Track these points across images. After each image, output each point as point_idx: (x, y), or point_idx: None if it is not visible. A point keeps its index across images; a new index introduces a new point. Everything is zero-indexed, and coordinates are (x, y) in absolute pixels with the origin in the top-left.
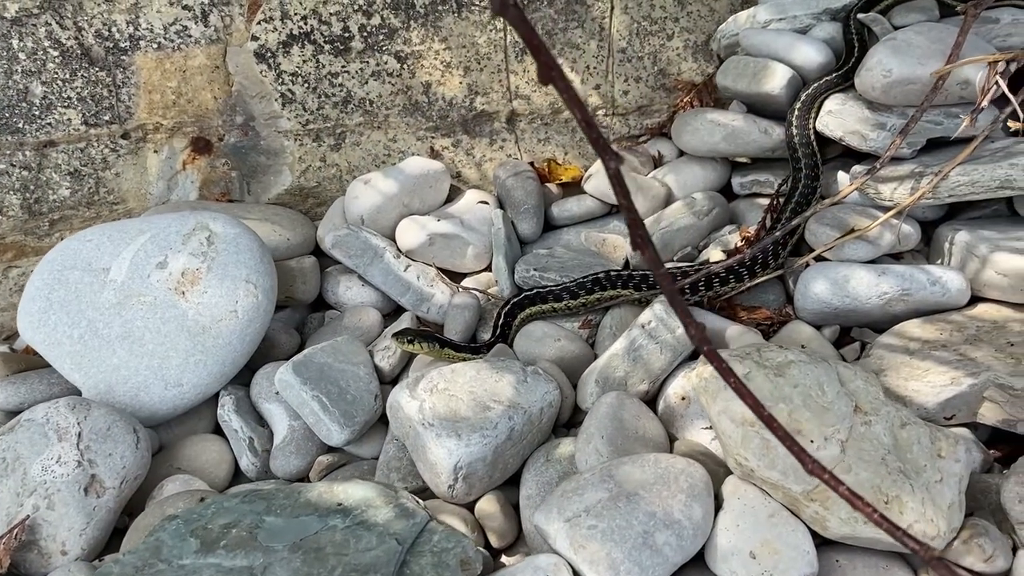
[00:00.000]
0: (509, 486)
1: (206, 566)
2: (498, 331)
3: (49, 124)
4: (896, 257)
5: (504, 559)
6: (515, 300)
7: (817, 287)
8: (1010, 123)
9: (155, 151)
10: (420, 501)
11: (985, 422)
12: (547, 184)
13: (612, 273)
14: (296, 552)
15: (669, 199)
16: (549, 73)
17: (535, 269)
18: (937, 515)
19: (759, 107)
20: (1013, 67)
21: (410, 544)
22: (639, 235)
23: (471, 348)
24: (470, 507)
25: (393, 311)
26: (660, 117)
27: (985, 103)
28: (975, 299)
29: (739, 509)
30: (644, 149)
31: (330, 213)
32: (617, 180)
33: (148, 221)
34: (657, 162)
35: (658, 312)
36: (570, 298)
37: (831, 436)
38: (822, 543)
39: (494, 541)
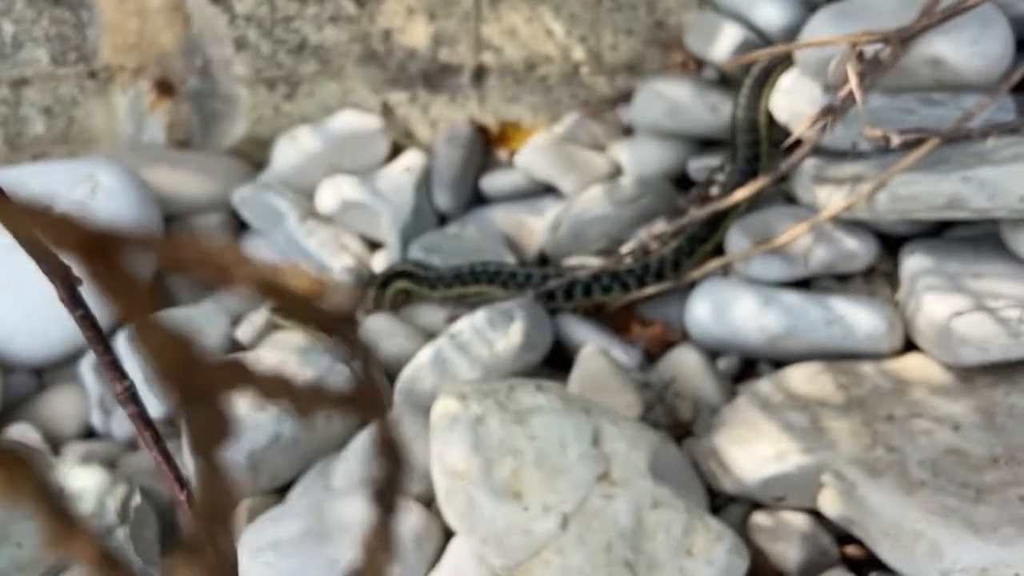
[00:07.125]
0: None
1: None
2: None
3: (21, 62)
4: (843, 279)
5: None
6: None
7: (699, 309)
8: (867, 131)
9: (122, 92)
10: (138, 499)
11: (826, 512)
12: (500, 151)
13: (478, 267)
14: None
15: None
16: None
17: (424, 249)
18: None
19: (724, 76)
20: (887, 52)
21: None
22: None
23: None
24: None
25: None
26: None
27: (842, 95)
28: (913, 346)
29: (447, 572)
30: (614, 116)
31: (268, 170)
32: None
33: (48, 167)
34: (628, 132)
35: (476, 322)
36: (430, 288)
37: (553, 506)
38: None
39: None
